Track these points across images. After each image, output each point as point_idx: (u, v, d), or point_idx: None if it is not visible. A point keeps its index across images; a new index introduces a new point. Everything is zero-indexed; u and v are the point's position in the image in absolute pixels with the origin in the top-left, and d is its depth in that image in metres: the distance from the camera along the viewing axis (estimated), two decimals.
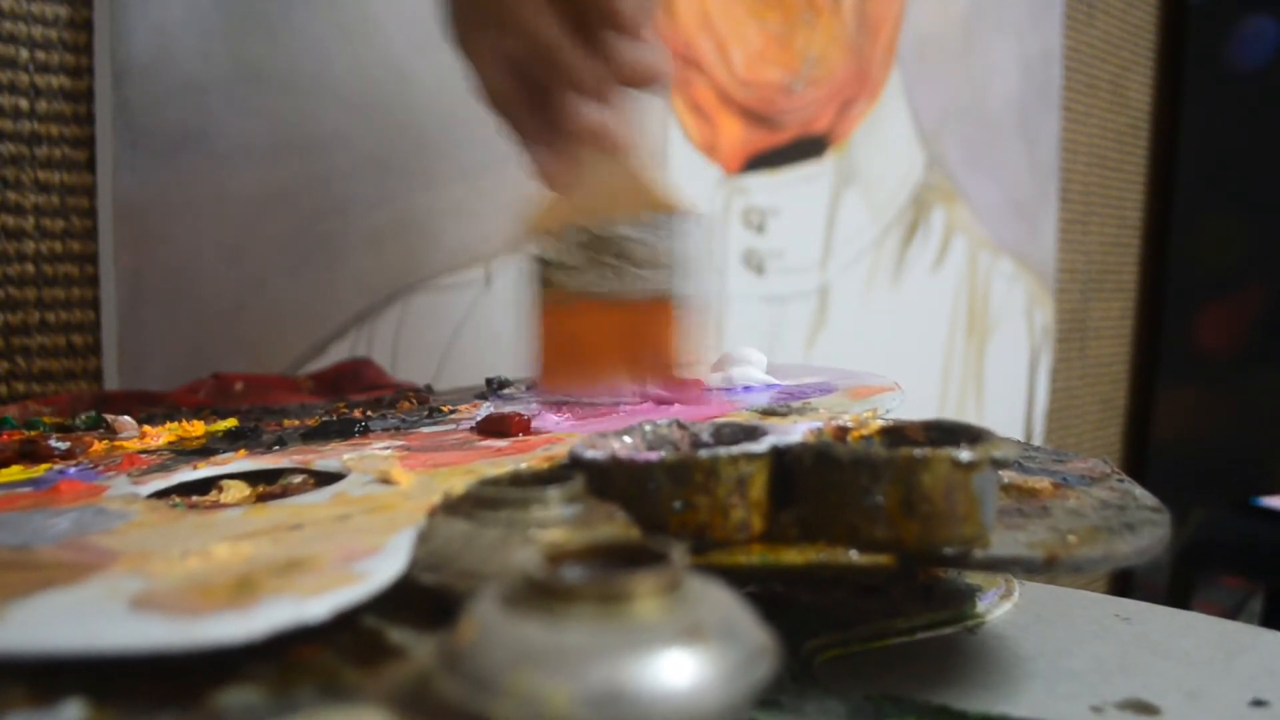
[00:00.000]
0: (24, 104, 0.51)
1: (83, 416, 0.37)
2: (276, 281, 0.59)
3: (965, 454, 0.22)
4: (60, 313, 0.52)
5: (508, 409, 0.35)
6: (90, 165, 0.52)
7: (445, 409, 0.37)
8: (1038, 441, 1.31)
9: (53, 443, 0.31)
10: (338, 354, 0.61)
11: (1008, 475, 0.28)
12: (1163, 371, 1.56)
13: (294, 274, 0.60)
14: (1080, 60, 1.34)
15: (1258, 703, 0.23)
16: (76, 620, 0.17)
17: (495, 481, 0.24)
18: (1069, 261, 1.36)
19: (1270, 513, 1.19)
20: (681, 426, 0.27)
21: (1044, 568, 0.22)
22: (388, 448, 0.30)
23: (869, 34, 0.98)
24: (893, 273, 1.05)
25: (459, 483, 0.24)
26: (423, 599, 0.20)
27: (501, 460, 0.27)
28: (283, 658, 0.18)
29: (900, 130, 1.04)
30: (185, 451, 0.31)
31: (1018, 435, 1.23)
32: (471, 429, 0.32)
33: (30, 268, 0.51)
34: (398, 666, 0.18)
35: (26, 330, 0.52)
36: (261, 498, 0.27)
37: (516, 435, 0.31)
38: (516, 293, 0.72)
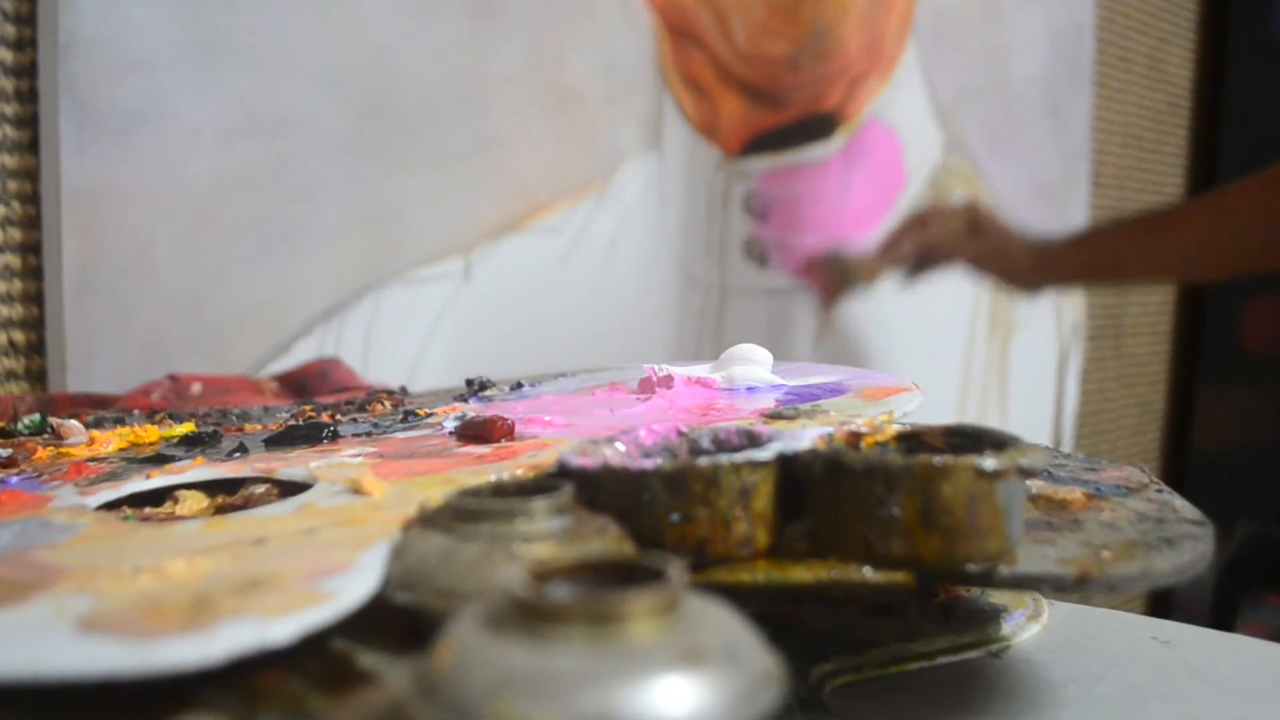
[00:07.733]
0: None
1: (25, 421, 0.37)
2: (237, 274, 0.59)
3: (989, 462, 0.22)
4: (0, 308, 0.52)
5: (489, 412, 0.35)
6: (34, 147, 0.52)
7: (421, 412, 0.37)
8: (1068, 448, 1.31)
9: None
10: (304, 353, 0.61)
11: (1035, 485, 0.28)
12: (1205, 371, 1.56)
13: (256, 266, 0.60)
14: (1114, 32, 1.34)
15: None
16: (18, 642, 0.17)
17: (476, 492, 0.24)
18: None
19: None
20: (680, 432, 0.27)
21: (1075, 586, 0.22)
22: (359, 455, 0.30)
23: (882, 4, 0.98)
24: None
25: (436, 493, 0.24)
26: (397, 620, 0.20)
27: (483, 468, 0.27)
28: (244, 684, 0.18)
29: (916, 109, 1.04)
30: (138, 459, 0.31)
31: (1045, 441, 1.23)
32: (450, 434, 0.32)
33: None
34: (369, 693, 0.18)
35: None
36: (220, 509, 0.27)
37: (499, 441, 0.31)
38: (497, 286, 0.72)
